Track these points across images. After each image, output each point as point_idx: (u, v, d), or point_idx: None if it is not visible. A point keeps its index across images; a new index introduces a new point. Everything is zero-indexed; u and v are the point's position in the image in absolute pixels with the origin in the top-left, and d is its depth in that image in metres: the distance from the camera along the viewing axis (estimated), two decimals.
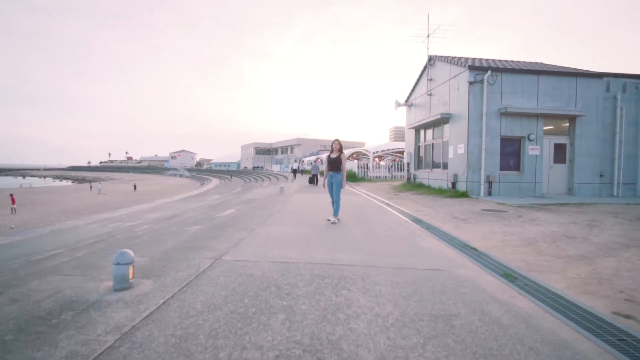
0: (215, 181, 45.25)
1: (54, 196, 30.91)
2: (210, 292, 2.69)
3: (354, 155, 40.24)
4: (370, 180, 25.81)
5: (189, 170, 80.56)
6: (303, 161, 49.21)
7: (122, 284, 2.69)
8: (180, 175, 70.67)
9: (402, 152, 30.51)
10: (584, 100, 11.75)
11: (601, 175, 11.95)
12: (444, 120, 13.35)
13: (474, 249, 4.53)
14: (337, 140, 6.41)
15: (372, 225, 6.24)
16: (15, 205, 19.12)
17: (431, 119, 14.13)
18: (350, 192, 13.72)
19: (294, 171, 31.14)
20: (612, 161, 11.96)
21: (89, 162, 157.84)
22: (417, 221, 6.76)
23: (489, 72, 11.25)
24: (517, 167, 11.82)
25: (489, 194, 11.36)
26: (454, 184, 12.33)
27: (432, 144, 15.16)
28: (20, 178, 78.72)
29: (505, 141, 11.66)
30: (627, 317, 2.52)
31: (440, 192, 12.54)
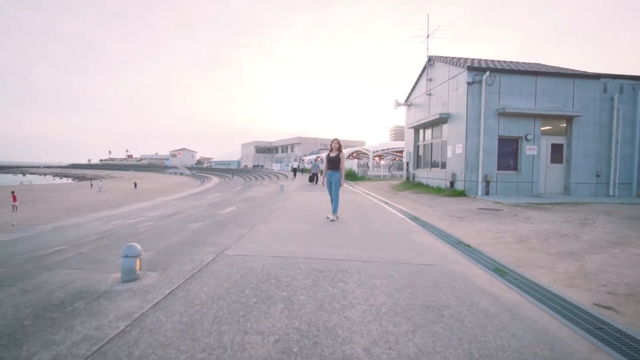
0: (215, 179, 45.40)
1: (55, 194, 31.06)
2: (213, 284, 2.83)
3: (354, 155, 40.36)
4: (369, 179, 25.96)
5: (189, 168, 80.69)
6: (303, 160, 49.33)
7: (130, 276, 2.83)
8: (181, 174, 70.82)
9: (402, 152, 30.63)
10: (581, 101, 11.88)
11: (598, 175, 12.09)
12: (443, 120, 13.48)
13: (468, 245, 4.67)
14: (336, 139, 6.55)
15: (370, 222, 6.38)
16: (16, 203, 19.26)
17: (430, 118, 14.26)
18: (350, 191, 13.87)
19: (294, 170, 31.27)
20: (608, 161, 12.09)
21: (89, 160, 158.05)
22: (414, 219, 6.90)
23: (488, 72, 11.38)
24: (514, 167, 11.96)
25: (487, 193, 11.51)
26: (452, 183, 12.47)
27: (431, 143, 15.29)
28: (20, 176, 78.87)
29: (503, 141, 11.80)
30: (607, 308, 2.67)
31: (438, 191, 12.68)
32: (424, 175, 15.72)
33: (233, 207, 8.90)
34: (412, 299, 2.63)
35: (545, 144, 12.07)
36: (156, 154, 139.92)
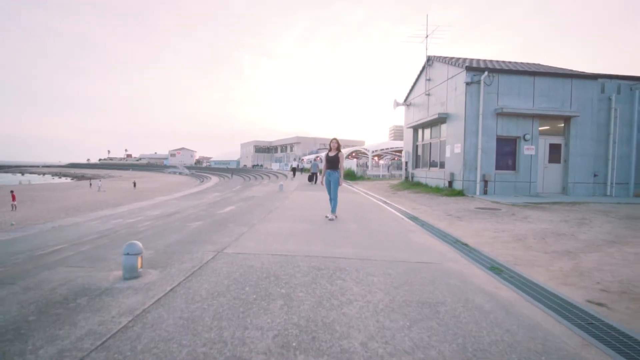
0: (214, 179, 45.41)
1: (54, 193, 31.04)
2: (213, 281, 2.88)
3: (353, 154, 40.42)
4: (369, 179, 26.01)
5: (189, 168, 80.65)
6: (302, 159, 49.36)
7: (132, 273, 2.87)
8: (180, 173, 70.78)
9: (401, 151, 30.71)
10: (579, 101, 11.95)
11: (595, 175, 12.17)
12: (442, 120, 13.53)
13: (465, 244, 4.72)
14: (334, 139, 6.59)
15: (368, 222, 6.43)
16: (15, 202, 19.26)
17: (429, 118, 14.32)
18: (349, 191, 13.92)
19: (294, 170, 31.29)
20: (606, 161, 12.16)
21: (88, 160, 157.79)
22: (413, 218, 6.95)
23: (486, 73, 11.44)
24: (512, 167, 12.02)
25: (485, 192, 11.56)
26: (450, 183, 12.53)
27: (430, 143, 15.35)
28: (19, 175, 78.75)
29: (501, 141, 11.86)
30: (600, 304, 2.72)
31: (437, 190, 12.74)
32: (422, 174, 15.78)
33: (232, 207, 8.94)
34: (408, 296, 2.68)
35: (543, 143, 12.13)
36: (155, 153, 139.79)
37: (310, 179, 19.21)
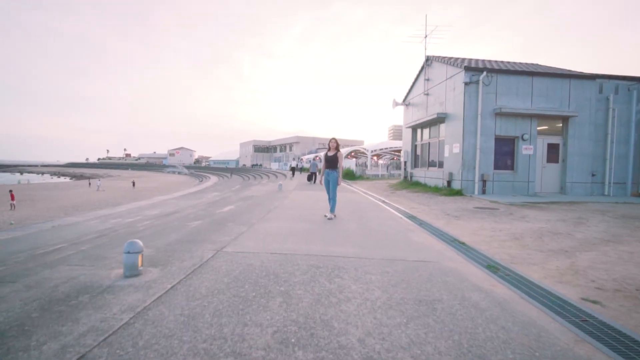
0: (214, 178, 45.41)
1: (53, 192, 31.02)
2: (213, 279, 2.91)
3: (352, 154, 40.45)
4: (368, 178, 26.07)
5: (188, 167, 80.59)
6: (302, 159, 49.38)
7: (132, 271, 2.91)
8: (179, 173, 70.74)
9: (400, 151, 30.76)
10: (577, 101, 12.01)
11: (593, 175, 12.23)
12: (440, 119, 13.58)
13: (463, 243, 4.76)
14: (333, 138, 6.63)
15: (367, 221, 6.46)
16: (14, 202, 19.25)
17: (428, 118, 14.36)
18: (348, 190, 13.96)
19: (293, 169, 31.31)
20: (603, 161, 12.23)
21: (87, 159, 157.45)
22: (411, 218, 7.00)
23: (485, 73, 11.48)
24: (511, 167, 12.08)
25: (483, 192, 11.62)
26: (449, 183, 12.58)
27: (429, 143, 15.39)
28: (18, 174, 78.62)
29: (500, 141, 11.92)
30: (594, 302, 2.77)
31: (435, 190, 12.79)
32: (421, 174, 15.83)
33: (232, 206, 8.97)
34: (406, 294, 2.72)
35: (542, 143, 12.19)
36: (154, 152, 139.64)
37: (310, 178, 19.24)
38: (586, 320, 2.37)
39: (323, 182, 6.84)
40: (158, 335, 1.94)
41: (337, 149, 6.61)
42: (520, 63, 14.60)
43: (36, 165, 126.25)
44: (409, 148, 17.61)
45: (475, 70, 11.68)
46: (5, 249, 5.77)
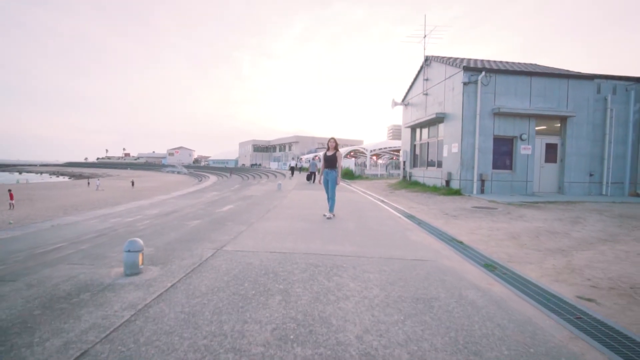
0: (213, 178, 45.40)
1: (52, 192, 31.00)
2: (213, 277, 2.94)
3: (352, 154, 40.50)
4: (367, 178, 26.12)
5: (187, 167, 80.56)
6: (301, 159, 49.39)
7: (133, 270, 2.93)
8: (178, 172, 70.71)
9: (399, 151, 30.81)
10: (575, 102, 12.06)
11: (591, 175, 12.29)
12: (439, 119, 13.62)
13: (461, 242, 4.80)
14: (332, 138, 6.65)
15: (366, 220, 6.50)
16: (13, 201, 19.25)
17: (427, 118, 14.40)
18: (347, 190, 13.99)
19: (292, 169, 31.31)
20: (601, 161, 12.29)
21: (85, 158, 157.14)
22: (410, 217, 7.03)
23: (483, 73, 11.53)
24: (509, 166, 12.13)
25: (482, 192, 11.67)
26: (447, 182, 12.63)
27: (428, 142, 15.44)
28: (16, 174, 78.47)
29: (498, 141, 11.97)
30: (589, 300, 2.80)
31: (434, 189, 12.83)
32: (420, 174, 15.88)
33: (231, 206, 8.99)
34: (403, 292, 2.75)
35: (540, 143, 12.25)
36: (153, 152, 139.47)
37: (309, 178, 19.26)
38: (581, 318, 2.41)
39: (322, 181, 6.87)
40: (159, 332, 1.97)
41: (336, 148, 6.64)
42: (518, 63, 14.65)
43: (35, 165, 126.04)
44: (407, 148, 17.65)
45: (474, 70, 11.72)
46: (4, 248, 5.78)
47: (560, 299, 2.77)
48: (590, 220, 6.82)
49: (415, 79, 16.85)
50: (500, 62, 14.70)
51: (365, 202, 9.70)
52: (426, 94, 15.17)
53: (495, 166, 11.96)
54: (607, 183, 12.26)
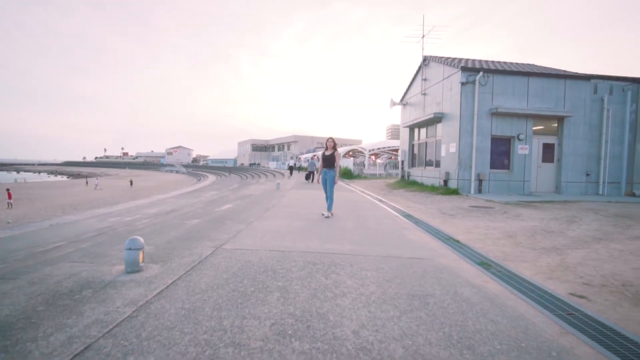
0: (211, 177, 45.39)
1: (50, 191, 30.95)
2: (212, 275, 2.99)
3: (350, 153, 40.56)
4: (365, 177, 26.19)
5: (185, 166, 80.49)
6: (300, 158, 49.42)
7: (134, 267, 2.98)
8: (177, 172, 70.66)
9: (398, 150, 30.90)
10: (572, 102, 12.15)
11: (587, 175, 12.39)
12: (437, 119, 13.69)
13: (457, 241, 4.86)
14: (331, 138, 6.71)
15: (364, 219, 6.55)
16: (11, 200, 19.22)
17: (425, 118, 14.47)
18: (346, 189, 14.04)
19: (291, 168, 31.34)
20: (598, 161, 12.39)
21: (84, 158, 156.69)
22: (407, 216, 7.09)
23: (481, 73, 11.60)
24: (507, 166, 12.22)
25: (479, 191, 11.74)
26: (445, 182, 12.70)
27: (426, 142, 15.51)
28: (14, 173, 78.22)
29: (496, 140, 12.05)
30: (581, 297, 2.87)
31: (432, 189, 12.90)
32: (418, 173, 15.95)
33: (230, 205, 9.03)
34: (399, 289, 2.81)
35: (537, 143, 12.33)
36: (152, 151, 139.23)
37: (307, 177, 19.31)
38: (572, 314, 2.47)
39: (320, 181, 6.93)
40: (160, 327, 2.02)
41: (334, 148, 6.69)
42: (516, 63, 14.74)
43: (33, 164, 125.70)
44: (406, 147, 17.72)
45: (471, 70, 11.79)
46: (3, 247, 5.80)
47: (553, 295, 2.83)
48: (586, 219, 6.90)
49: (413, 79, 16.92)
50: (498, 62, 14.78)
51: (364, 202, 9.76)
52: (424, 94, 15.24)
53: (493, 166, 12.04)
54: (603, 183, 12.36)
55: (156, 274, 2.98)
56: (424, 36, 15.57)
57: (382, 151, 38.12)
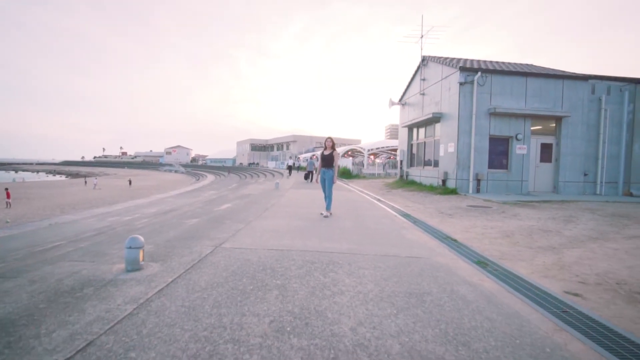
0: (210, 177, 45.38)
1: (48, 190, 30.90)
2: (212, 273, 3.02)
3: (349, 153, 40.61)
4: (364, 177, 26.23)
5: (184, 166, 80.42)
6: (299, 158, 49.44)
7: (134, 266, 3.01)
8: (176, 171, 70.60)
9: (396, 150, 30.96)
10: (570, 102, 12.21)
11: (585, 174, 12.45)
12: (436, 119, 13.74)
13: (455, 240, 4.90)
14: (329, 138, 6.74)
15: (362, 219, 6.59)
16: (10, 200, 19.20)
17: (423, 118, 14.52)
18: (344, 189, 14.08)
19: (290, 168, 31.36)
20: (595, 161, 12.45)
21: (82, 157, 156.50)
22: (406, 216, 7.13)
23: (479, 73, 11.64)
24: (505, 166, 12.27)
25: (478, 191, 11.79)
26: (444, 182, 12.74)
27: (424, 142, 15.56)
28: (12, 172, 78.00)
29: (494, 140, 12.09)
30: (576, 295, 2.91)
31: (430, 189, 12.95)
32: (417, 173, 16.00)
33: (229, 204, 9.06)
34: (397, 287, 2.84)
35: (535, 143, 12.39)
36: (150, 151, 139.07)
37: (306, 177, 19.34)
38: (566, 312, 2.51)
39: (319, 180, 6.96)
40: (161, 324, 2.05)
41: (333, 148, 6.73)
42: (514, 63, 14.79)
43: (31, 164, 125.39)
44: (405, 147, 17.77)
45: (470, 70, 11.84)
46: (3, 246, 5.82)
47: (548, 293, 2.87)
48: (583, 219, 6.95)
49: (412, 79, 16.96)
50: (497, 62, 14.83)
51: (362, 201, 9.79)
52: (423, 94, 15.28)
53: (491, 166, 12.09)
54: (601, 183, 12.42)
55: (156, 272, 3.01)
56: (422, 36, 15.62)
57: (381, 151, 38.18)
